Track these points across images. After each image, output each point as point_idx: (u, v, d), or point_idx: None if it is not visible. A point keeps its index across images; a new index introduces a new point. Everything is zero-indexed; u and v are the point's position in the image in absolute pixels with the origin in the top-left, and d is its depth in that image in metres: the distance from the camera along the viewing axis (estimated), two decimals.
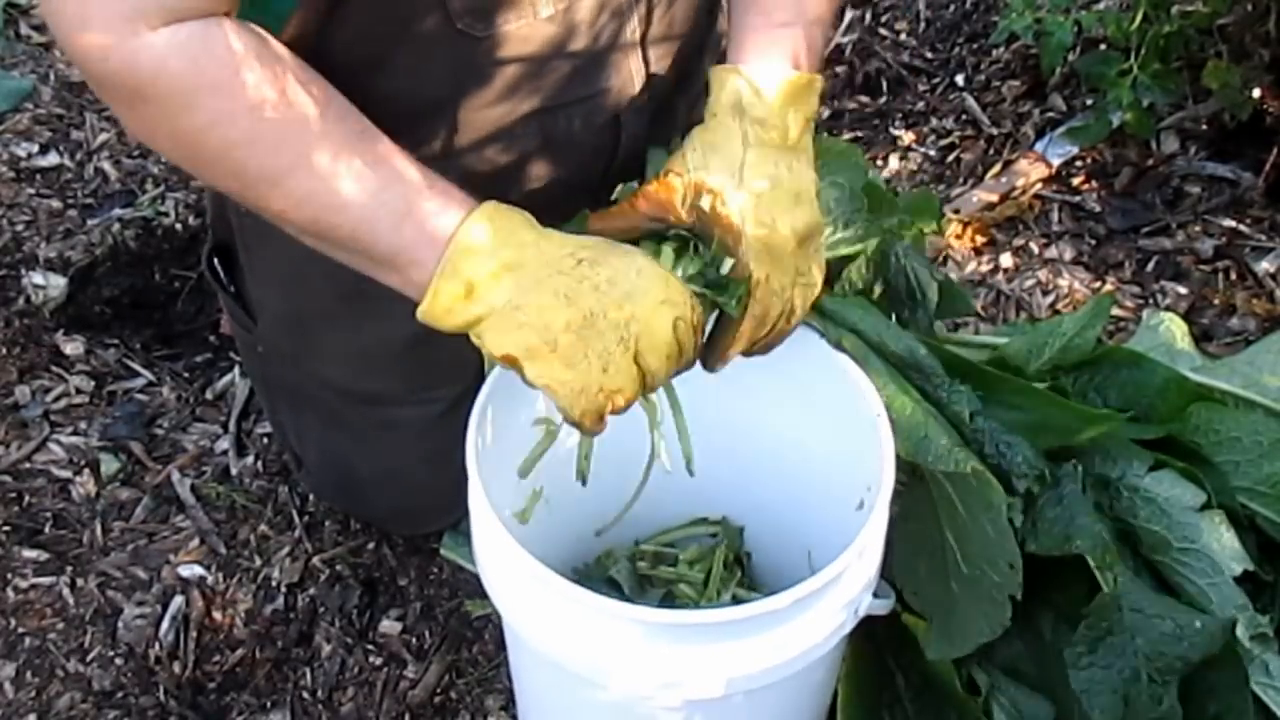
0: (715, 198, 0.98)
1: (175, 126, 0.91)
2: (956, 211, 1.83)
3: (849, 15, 2.24)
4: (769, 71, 1.02)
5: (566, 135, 1.16)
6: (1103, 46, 1.92)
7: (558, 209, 1.19)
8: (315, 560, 1.48)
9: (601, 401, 0.93)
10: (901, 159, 1.98)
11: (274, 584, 1.46)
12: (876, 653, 1.13)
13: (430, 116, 1.10)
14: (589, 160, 1.20)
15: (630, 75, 1.16)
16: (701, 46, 1.27)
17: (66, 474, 1.57)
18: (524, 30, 1.06)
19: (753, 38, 1.05)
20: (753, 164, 0.99)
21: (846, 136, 2.04)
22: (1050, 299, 1.72)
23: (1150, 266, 1.75)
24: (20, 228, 1.89)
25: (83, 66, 0.91)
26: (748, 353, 1.03)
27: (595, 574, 1.28)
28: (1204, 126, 1.88)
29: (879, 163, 1.97)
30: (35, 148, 2.03)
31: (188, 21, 0.88)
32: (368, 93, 0.98)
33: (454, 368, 1.24)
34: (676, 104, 1.26)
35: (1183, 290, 1.71)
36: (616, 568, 1.28)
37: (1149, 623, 1.03)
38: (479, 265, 0.92)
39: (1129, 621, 1.03)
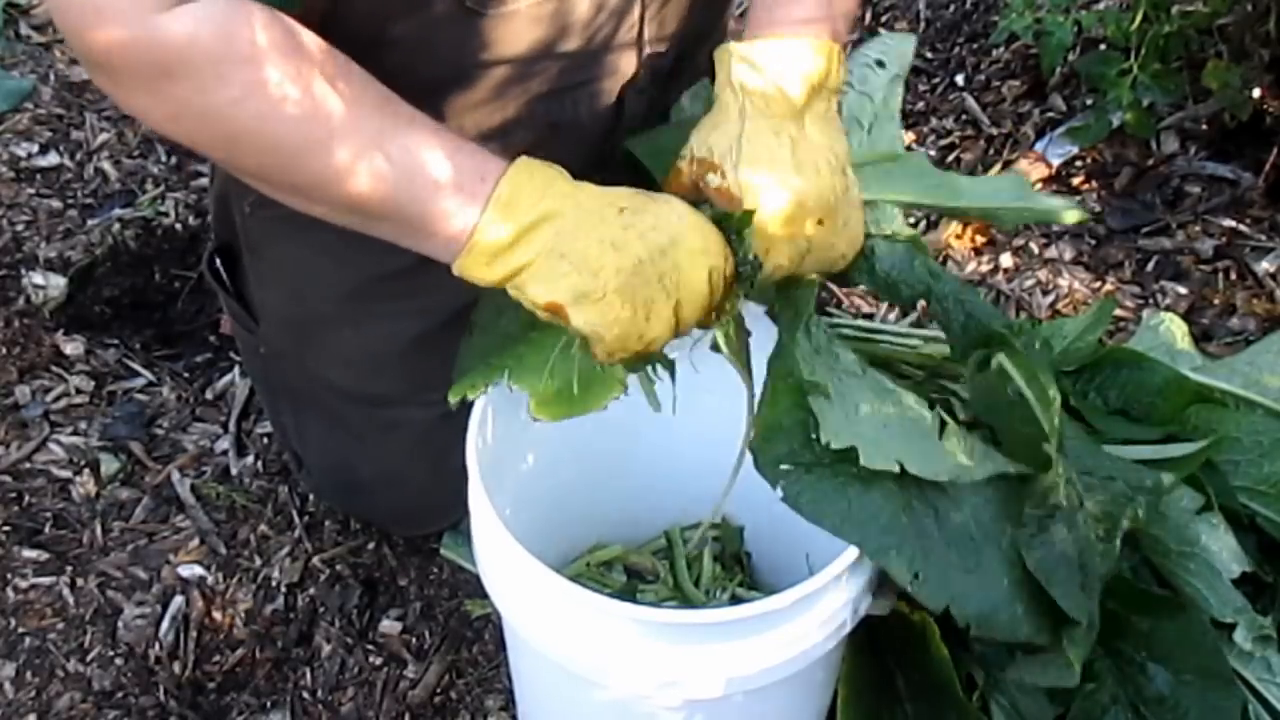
0: (716, 172, 0.97)
1: (206, 103, 0.90)
2: None
3: None
4: (754, 40, 1.00)
5: (571, 118, 1.16)
6: (1103, 46, 1.91)
7: None
8: (315, 560, 1.48)
9: (640, 348, 0.93)
10: None
11: (274, 584, 1.46)
12: (876, 653, 1.13)
13: (436, 95, 1.10)
14: (591, 142, 1.20)
15: (631, 57, 1.17)
16: (702, 34, 1.27)
17: (66, 474, 1.57)
18: (531, 10, 1.06)
19: (767, 26, 1.03)
20: (750, 136, 0.98)
21: None
22: (1050, 299, 1.72)
23: (1150, 266, 1.75)
24: (20, 228, 1.89)
25: (99, 60, 0.90)
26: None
27: (594, 574, 1.28)
28: (1204, 126, 1.88)
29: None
30: (35, 148, 2.03)
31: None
32: (375, 69, 0.98)
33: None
34: (679, 83, 1.26)
35: (1183, 290, 1.71)
36: (616, 568, 1.28)
37: (1100, 484, 1.03)
38: (521, 215, 0.91)
39: (1079, 490, 1.02)
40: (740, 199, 0.97)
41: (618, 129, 1.21)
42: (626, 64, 1.17)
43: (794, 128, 0.99)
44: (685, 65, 1.25)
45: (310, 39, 0.92)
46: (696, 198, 0.99)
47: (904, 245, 1.10)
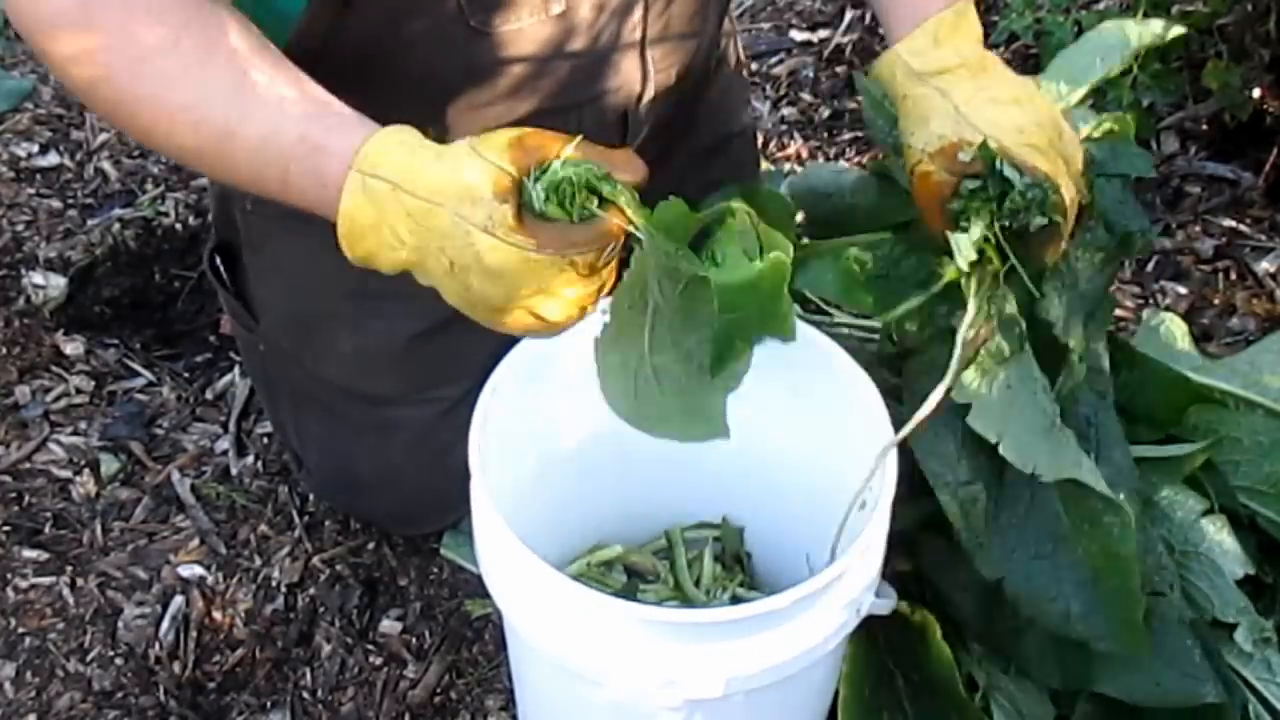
0: (961, 144, 0.99)
1: (67, 75, 0.92)
2: None
3: (848, 15, 2.24)
4: (915, 32, 1.04)
5: (576, 134, 1.16)
6: None
7: None
8: (315, 560, 1.48)
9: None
10: None
11: (274, 584, 1.46)
12: (877, 653, 1.13)
13: (439, 112, 1.10)
14: None
15: (634, 73, 1.17)
16: (706, 38, 1.27)
17: (66, 474, 1.57)
18: (535, 28, 1.07)
19: (911, 19, 1.07)
20: (962, 101, 1.01)
21: (847, 136, 2.04)
22: None
23: (1150, 266, 1.75)
24: (20, 228, 1.89)
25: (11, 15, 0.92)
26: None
27: (594, 574, 1.28)
28: (1204, 126, 1.88)
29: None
30: (35, 148, 2.03)
31: None
32: (378, 87, 0.98)
33: (456, 368, 1.24)
34: (685, 98, 1.26)
35: (1183, 290, 1.71)
36: (616, 568, 1.28)
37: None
38: (366, 251, 0.91)
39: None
40: (1003, 144, 0.99)
41: (622, 145, 1.21)
42: (629, 79, 1.17)
43: (983, 78, 1.03)
44: (688, 82, 1.25)
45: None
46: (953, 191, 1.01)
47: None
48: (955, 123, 1.00)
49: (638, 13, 1.13)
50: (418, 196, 0.86)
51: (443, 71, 1.07)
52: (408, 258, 0.89)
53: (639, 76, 1.17)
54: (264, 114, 0.90)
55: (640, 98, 1.18)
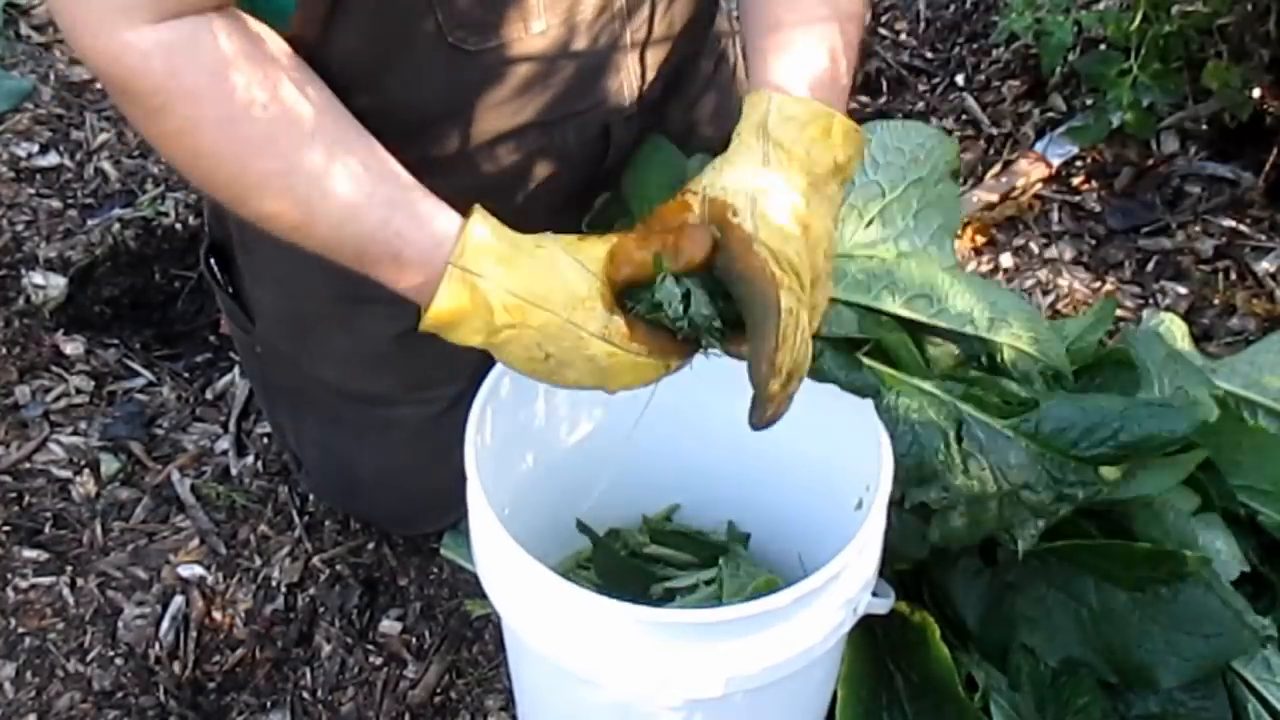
0: (729, 209, 0.96)
1: (149, 128, 0.93)
2: None
3: None
4: (800, 99, 1.00)
5: (560, 148, 1.17)
6: (1103, 46, 1.91)
7: (544, 218, 1.20)
8: (315, 560, 1.48)
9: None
10: None
11: (274, 584, 1.46)
12: (876, 653, 1.13)
13: (423, 129, 1.10)
14: (578, 170, 1.21)
15: (620, 88, 1.17)
16: (694, 55, 1.27)
17: (66, 474, 1.57)
18: (517, 46, 1.07)
19: (781, 39, 1.03)
20: (771, 185, 0.97)
21: None
22: (1050, 299, 1.72)
23: (1150, 266, 1.75)
24: (20, 228, 1.89)
25: (84, 61, 0.92)
26: (771, 407, 0.96)
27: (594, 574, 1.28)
28: (1204, 126, 1.88)
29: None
30: (35, 148, 2.03)
31: (178, 19, 0.88)
32: (364, 103, 0.98)
33: (452, 367, 1.24)
34: (668, 112, 1.26)
35: (1183, 290, 1.71)
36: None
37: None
38: (459, 337, 0.95)
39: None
40: (752, 236, 0.94)
41: (604, 157, 1.21)
42: (614, 94, 1.17)
43: (811, 195, 0.99)
44: (672, 97, 1.25)
45: (282, 67, 0.93)
46: (683, 226, 0.98)
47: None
48: (747, 199, 0.96)
49: (620, 15, 1.13)
50: (521, 298, 0.93)
51: (425, 88, 1.07)
52: (491, 341, 0.95)
53: (622, 90, 1.17)
54: (348, 189, 0.93)
55: (623, 111, 1.18)
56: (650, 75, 1.19)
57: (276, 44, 0.95)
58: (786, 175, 0.98)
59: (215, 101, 0.90)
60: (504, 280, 0.93)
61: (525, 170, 1.17)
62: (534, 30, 1.06)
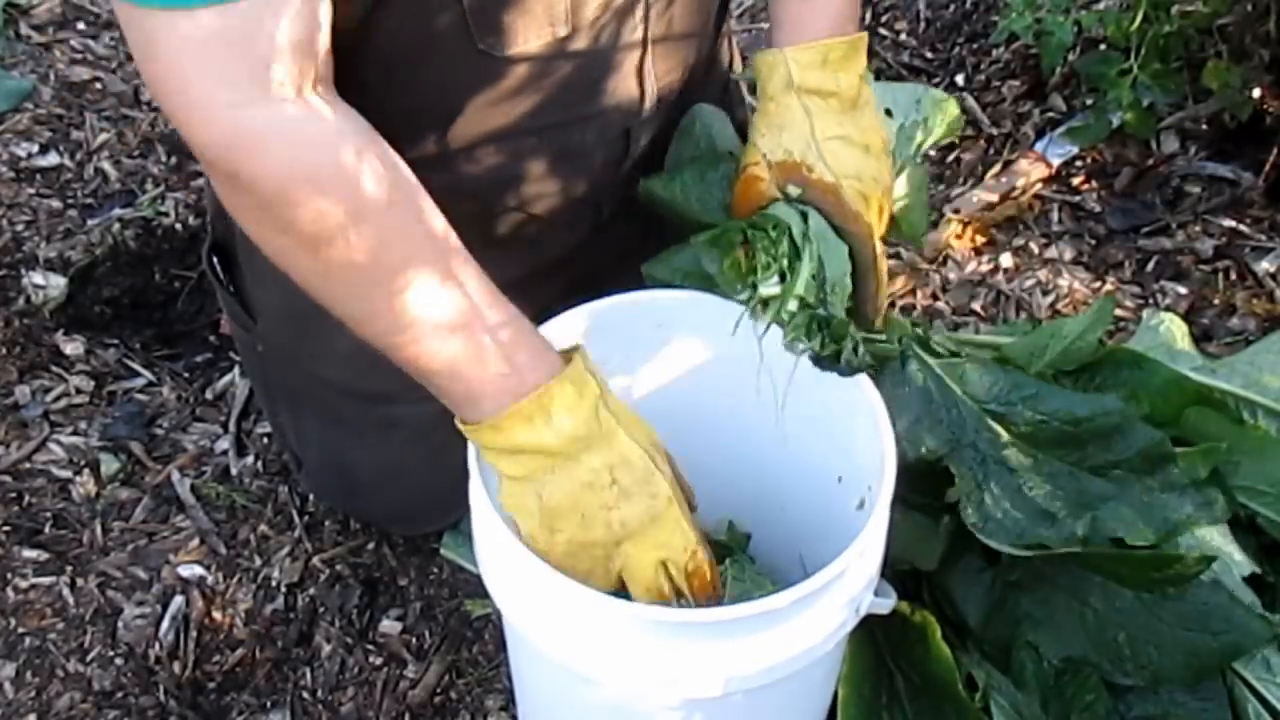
0: (802, 167, 1.04)
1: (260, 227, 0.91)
2: (956, 211, 1.83)
3: None
4: (807, 45, 1.08)
5: (579, 148, 1.18)
6: (1103, 46, 1.91)
7: (566, 217, 1.21)
8: (315, 560, 1.48)
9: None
10: None
11: (274, 584, 1.46)
12: (876, 653, 1.13)
13: (447, 130, 1.11)
14: (599, 171, 1.22)
15: (638, 88, 1.18)
16: (707, 54, 1.28)
17: (66, 474, 1.57)
18: (541, 49, 1.07)
19: (792, 11, 1.11)
20: (822, 129, 1.05)
21: None
22: (1050, 299, 1.72)
23: (1150, 266, 1.75)
24: (20, 228, 1.89)
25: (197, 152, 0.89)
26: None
27: None
28: (1204, 126, 1.88)
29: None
30: (35, 148, 2.03)
31: (289, 100, 0.86)
32: (393, 106, 0.99)
33: None
34: (684, 101, 1.26)
35: (1183, 290, 1.71)
36: None
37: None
38: (537, 436, 0.93)
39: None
40: (837, 185, 1.03)
41: (624, 158, 1.23)
42: (631, 94, 1.18)
43: (855, 116, 1.09)
44: (687, 98, 1.26)
45: (387, 161, 0.91)
46: (771, 200, 1.06)
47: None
48: (805, 146, 1.05)
49: (638, 19, 1.14)
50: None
51: (453, 90, 1.08)
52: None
53: (639, 90, 1.18)
54: (458, 306, 0.92)
55: (641, 110, 1.19)
56: (664, 75, 1.19)
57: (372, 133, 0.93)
58: (831, 113, 1.06)
59: (353, 200, 0.88)
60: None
61: (546, 171, 1.18)
62: (559, 34, 1.07)
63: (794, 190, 1.06)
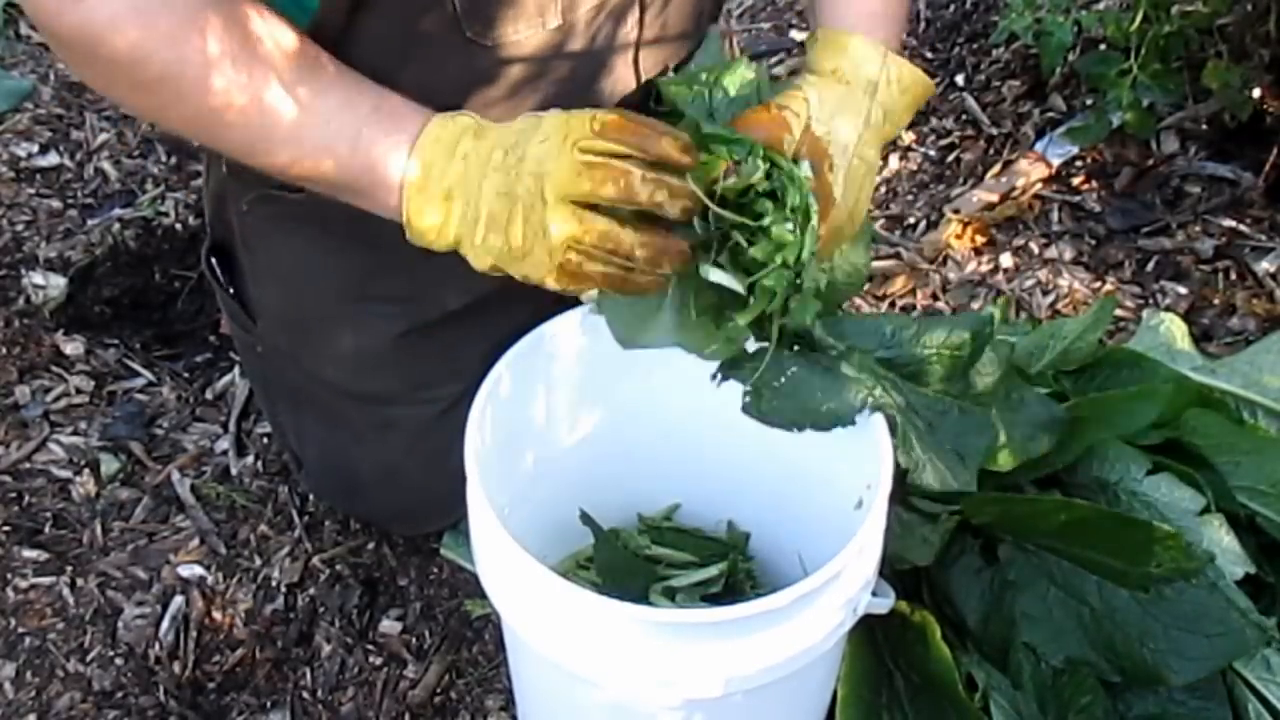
0: (828, 160, 1.04)
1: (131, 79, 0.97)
2: (956, 211, 1.83)
3: None
4: (909, 66, 1.10)
5: None
6: (1103, 46, 1.92)
7: None
8: (315, 560, 1.48)
9: (577, 262, 0.95)
10: (901, 159, 1.98)
11: (274, 584, 1.46)
12: (876, 653, 1.13)
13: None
14: None
15: (627, 79, 1.17)
16: (700, 41, 1.27)
17: (66, 474, 1.57)
18: (531, 40, 1.08)
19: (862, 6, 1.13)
20: (867, 142, 1.07)
21: None
22: (1050, 299, 1.72)
23: (1150, 266, 1.75)
24: (20, 228, 1.89)
25: (48, 35, 0.95)
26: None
27: (593, 574, 1.28)
28: (1204, 126, 1.88)
29: (879, 162, 1.97)
30: (35, 148, 2.03)
31: None
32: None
33: (453, 367, 1.25)
34: None
35: (1183, 290, 1.71)
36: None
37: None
38: (429, 200, 0.97)
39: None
40: (833, 199, 1.04)
41: None
42: (621, 85, 1.18)
43: (878, 153, 1.10)
44: None
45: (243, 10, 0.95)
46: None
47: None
48: (844, 158, 1.06)
49: (633, 19, 1.14)
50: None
51: (442, 80, 1.07)
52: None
53: (633, 84, 1.18)
54: (336, 92, 0.97)
55: (630, 100, 1.19)
56: (653, 67, 1.19)
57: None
58: (877, 143, 1.08)
59: (190, 45, 0.92)
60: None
61: None
62: (550, 25, 1.07)
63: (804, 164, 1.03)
